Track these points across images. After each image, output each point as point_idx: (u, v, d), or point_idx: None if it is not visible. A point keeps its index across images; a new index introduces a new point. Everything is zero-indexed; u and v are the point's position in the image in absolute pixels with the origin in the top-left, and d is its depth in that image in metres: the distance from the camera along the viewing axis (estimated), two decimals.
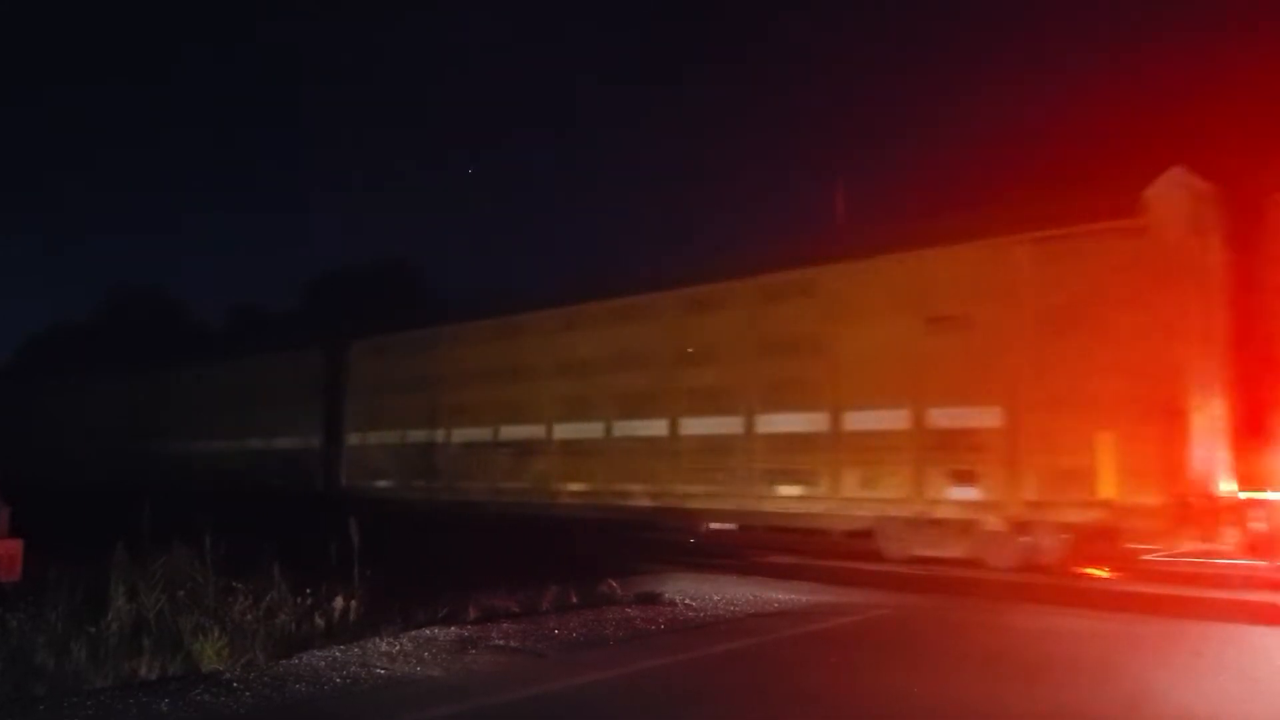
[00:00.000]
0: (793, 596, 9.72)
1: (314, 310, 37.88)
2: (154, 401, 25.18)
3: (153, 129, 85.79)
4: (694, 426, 13.65)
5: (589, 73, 72.51)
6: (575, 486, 15.00)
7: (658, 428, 14.01)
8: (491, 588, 8.86)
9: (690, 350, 13.93)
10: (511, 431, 16.11)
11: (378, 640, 7.02)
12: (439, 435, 17.35)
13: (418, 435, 17.75)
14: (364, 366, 19.36)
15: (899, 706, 5.71)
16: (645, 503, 14.02)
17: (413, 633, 7.30)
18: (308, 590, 7.53)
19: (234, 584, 7.21)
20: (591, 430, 14.86)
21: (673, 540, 14.38)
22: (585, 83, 71.45)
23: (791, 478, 12.56)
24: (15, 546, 6.56)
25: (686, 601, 9.27)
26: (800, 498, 12.50)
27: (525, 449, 15.72)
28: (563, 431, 15.30)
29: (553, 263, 60.92)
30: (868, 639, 7.99)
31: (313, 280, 43.16)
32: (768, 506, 12.81)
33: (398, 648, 6.88)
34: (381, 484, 18.35)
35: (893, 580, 10.82)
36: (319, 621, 7.24)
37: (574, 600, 8.93)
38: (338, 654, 6.63)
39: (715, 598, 9.52)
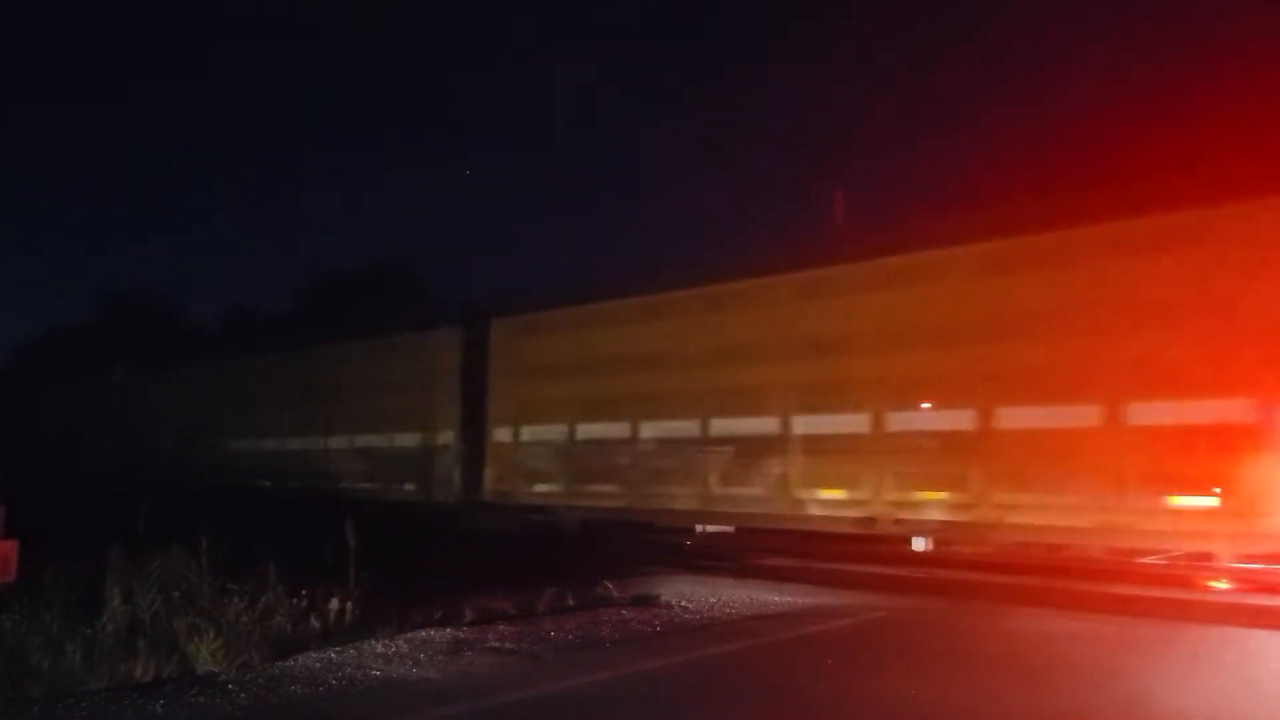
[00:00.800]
0: (789, 599, 9.72)
1: (314, 311, 37.84)
2: (214, 397, 22.74)
3: (149, 129, 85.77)
4: (1018, 417, 10.61)
5: (589, 74, 72.58)
6: (828, 494, 12.14)
7: (958, 419, 11.03)
8: (488, 589, 8.86)
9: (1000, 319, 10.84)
10: (729, 425, 13.12)
11: (373, 642, 7.01)
12: (623, 429, 14.27)
13: (593, 429, 14.71)
14: (513, 347, 16.15)
15: (896, 709, 5.70)
16: (939, 515, 11.20)
17: (409, 634, 7.30)
18: (304, 591, 7.52)
19: (229, 585, 7.19)
20: (851, 423, 11.92)
21: (669, 542, 14.32)
22: (586, 84, 71.50)
23: (1193, 486, 9.51)
24: (10, 548, 6.53)
25: (683, 603, 9.26)
26: (1208, 512, 9.43)
27: (750, 447, 12.81)
28: (806, 425, 12.35)
29: (551, 264, 60.83)
30: (865, 641, 7.99)
31: (312, 281, 43.13)
32: (1150, 524, 9.77)
33: (393, 649, 6.87)
34: (542, 489, 15.35)
35: (890, 583, 10.83)
36: (315, 623, 7.23)
37: (570, 602, 8.93)
38: (333, 656, 6.63)
39: (711, 600, 9.51)
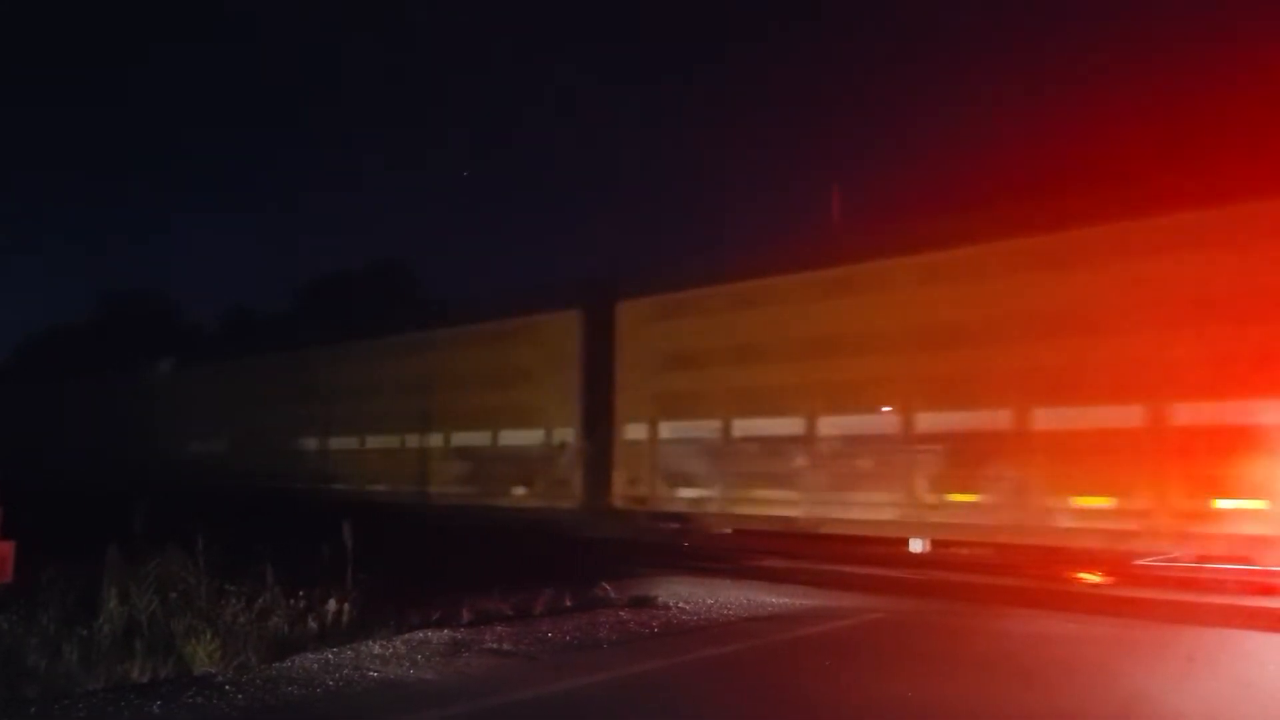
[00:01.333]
0: (786, 600, 9.71)
1: (314, 311, 37.83)
2: (263, 393, 21.52)
3: (149, 129, 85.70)
4: None
5: (586, 73, 72.57)
6: (1084, 503, 10.17)
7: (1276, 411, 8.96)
8: (486, 590, 8.87)
9: None
10: (941, 419, 11.11)
11: (370, 643, 7.01)
12: (796, 425, 12.30)
13: (755, 425, 12.75)
14: (648, 332, 14.25)
15: (894, 711, 5.71)
16: (1254, 529, 9.23)
17: (406, 635, 7.30)
18: (300, 593, 7.53)
19: (227, 586, 7.20)
20: (1118, 416, 9.90)
21: (666, 543, 14.30)
22: (583, 83, 71.53)
23: None
24: (7, 549, 6.55)
25: (680, 605, 9.26)
26: None
27: (971, 445, 10.86)
28: (1052, 418, 10.36)
29: (549, 264, 60.87)
30: (861, 643, 7.99)
31: (312, 281, 43.17)
32: None
33: (390, 650, 6.87)
34: (688, 494, 13.43)
35: (886, 584, 10.81)
36: (312, 624, 7.24)
37: (567, 603, 8.92)
38: (330, 656, 6.63)
39: (709, 601, 9.51)
